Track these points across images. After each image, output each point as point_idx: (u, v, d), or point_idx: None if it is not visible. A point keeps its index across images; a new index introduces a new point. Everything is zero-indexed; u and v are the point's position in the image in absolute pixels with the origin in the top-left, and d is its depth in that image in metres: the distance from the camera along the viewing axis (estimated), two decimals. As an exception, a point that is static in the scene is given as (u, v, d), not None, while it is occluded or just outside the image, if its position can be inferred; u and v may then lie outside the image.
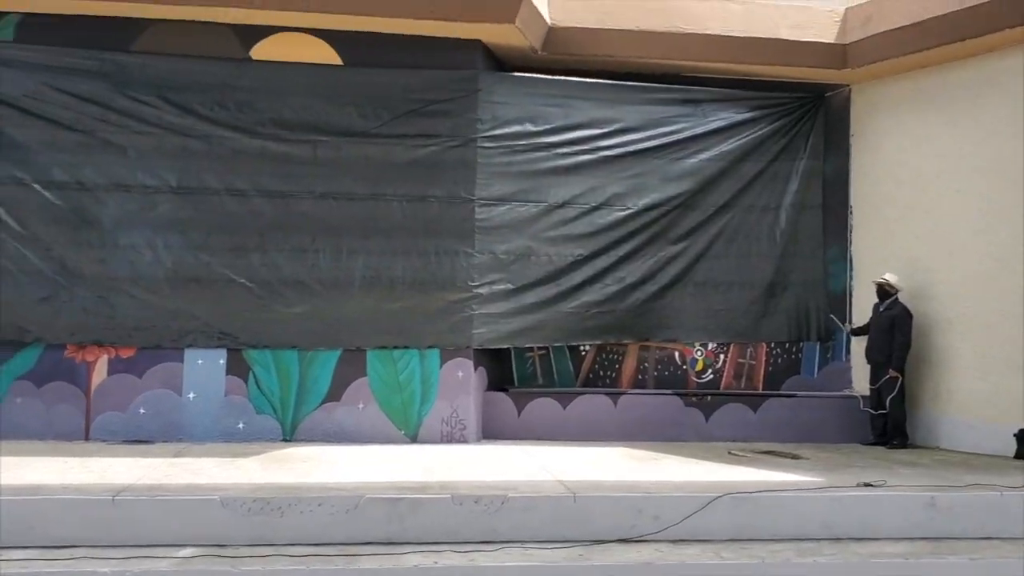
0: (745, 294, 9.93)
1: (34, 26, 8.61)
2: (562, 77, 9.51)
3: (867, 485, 6.80)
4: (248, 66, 8.75)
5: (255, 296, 8.70)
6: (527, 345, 9.43)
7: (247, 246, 8.72)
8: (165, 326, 8.57)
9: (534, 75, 9.48)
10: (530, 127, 9.30)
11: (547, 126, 9.38)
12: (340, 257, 8.83)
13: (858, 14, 9.75)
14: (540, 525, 6.11)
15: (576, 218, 9.46)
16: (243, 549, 5.69)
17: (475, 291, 9.00)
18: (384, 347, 8.79)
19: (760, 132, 9.98)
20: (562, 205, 9.41)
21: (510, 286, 9.16)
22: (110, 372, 8.55)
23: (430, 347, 8.86)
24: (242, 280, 8.66)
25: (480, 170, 9.08)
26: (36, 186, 8.48)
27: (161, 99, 8.63)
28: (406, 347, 8.81)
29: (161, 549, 5.65)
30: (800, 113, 10.13)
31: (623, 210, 9.58)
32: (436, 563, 5.57)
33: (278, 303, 8.72)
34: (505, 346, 9.30)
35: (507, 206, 9.18)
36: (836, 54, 9.83)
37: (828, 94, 10.33)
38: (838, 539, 6.34)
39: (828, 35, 9.82)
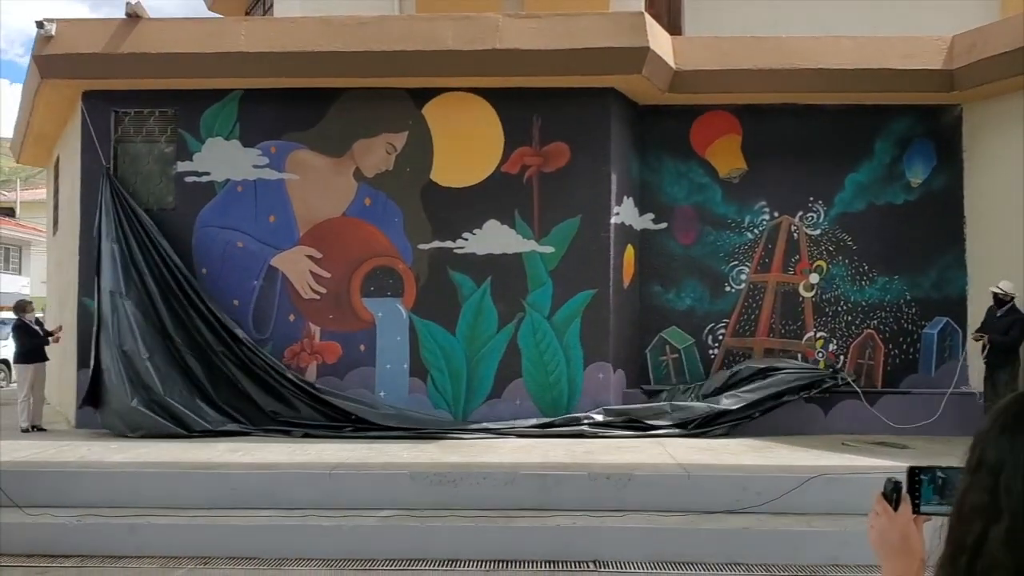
0: None
1: (253, 99, 10.73)
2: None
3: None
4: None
5: None
6: None
7: None
8: None
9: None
10: None
11: None
12: None
13: (963, 41, 10.56)
14: (660, 498, 7.52)
15: None
16: (427, 511, 7.40)
17: None
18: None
19: None
20: None
21: None
22: (319, 375, 10.56)
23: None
24: None
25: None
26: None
27: None
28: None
29: (366, 510, 7.43)
30: None
31: None
32: (574, 524, 7.11)
33: None
34: None
35: None
36: (944, 79, 10.67)
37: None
38: (919, 513, 7.42)
39: (935, 62, 10.67)
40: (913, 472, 1.51)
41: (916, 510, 1.49)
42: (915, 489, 1.50)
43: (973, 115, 11.03)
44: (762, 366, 10.65)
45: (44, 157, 14.75)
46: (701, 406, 10.21)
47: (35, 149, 14.15)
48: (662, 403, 10.42)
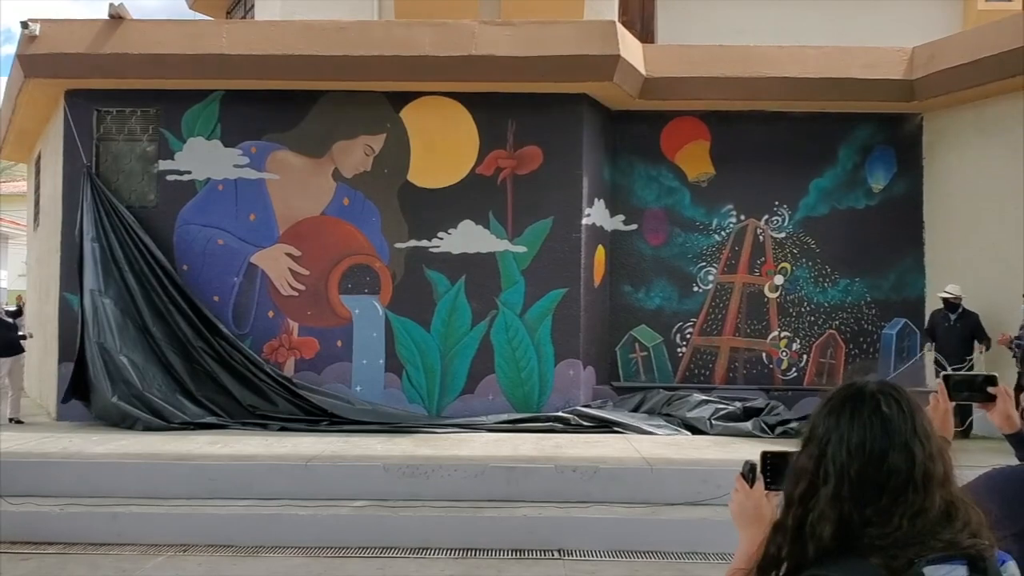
0: None
1: (235, 99, 10.95)
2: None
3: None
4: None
5: None
6: None
7: None
8: None
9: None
10: None
11: None
12: None
13: (923, 53, 10.92)
14: (624, 490, 7.82)
15: None
16: (399, 502, 7.66)
17: None
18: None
19: None
20: None
21: None
22: (297, 370, 10.81)
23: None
24: None
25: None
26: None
27: None
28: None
29: (340, 501, 7.68)
30: None
31: None
32: (540, 514, 7.41)
33: None
34: None
35: None
36: (904, 89, 11.03)
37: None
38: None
39: (896, 72, 11.03)
40: (765, 456, 1.83)
41: (768, 487, 1.80)
42: (767, 469, 1.82)
43: (933, 124, 11.42)
44: (756, 405, 10.55)
45: (25, 152, 14.90)
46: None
47: (16, 145, 14.29)
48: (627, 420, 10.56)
